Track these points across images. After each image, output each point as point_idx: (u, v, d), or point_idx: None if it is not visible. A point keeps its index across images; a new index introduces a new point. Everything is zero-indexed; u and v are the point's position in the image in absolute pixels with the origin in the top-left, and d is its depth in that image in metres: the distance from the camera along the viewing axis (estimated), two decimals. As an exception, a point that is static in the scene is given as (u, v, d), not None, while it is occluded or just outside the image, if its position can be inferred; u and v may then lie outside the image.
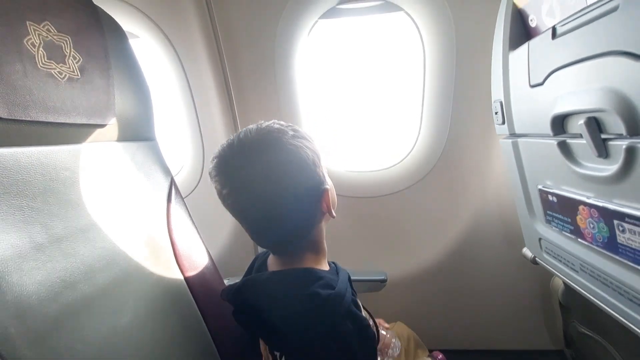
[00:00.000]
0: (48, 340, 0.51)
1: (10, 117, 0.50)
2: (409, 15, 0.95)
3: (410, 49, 1.01)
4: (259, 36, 0.94)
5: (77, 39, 0.62)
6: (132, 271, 0.70)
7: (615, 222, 0.49)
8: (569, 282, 0.68)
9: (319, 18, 0.95)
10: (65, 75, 0.59)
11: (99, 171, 0.68)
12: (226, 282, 0.98)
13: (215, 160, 0.61)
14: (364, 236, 1.09)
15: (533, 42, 0.62)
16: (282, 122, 0.61)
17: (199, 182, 1.12)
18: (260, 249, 1.18)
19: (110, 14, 0.76)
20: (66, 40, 0.60)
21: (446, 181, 1.06)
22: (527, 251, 0.85)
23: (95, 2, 0.72)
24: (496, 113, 0.77)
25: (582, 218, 0.57)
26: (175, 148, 1.20)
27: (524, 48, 0.65)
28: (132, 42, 0.89)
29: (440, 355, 0.78)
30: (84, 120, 0.63)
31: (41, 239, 0.55)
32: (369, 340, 0.57)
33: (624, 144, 0.44)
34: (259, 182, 0.56)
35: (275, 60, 0.95)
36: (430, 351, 0.83)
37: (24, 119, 0.52)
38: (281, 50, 0.94)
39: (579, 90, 0.51)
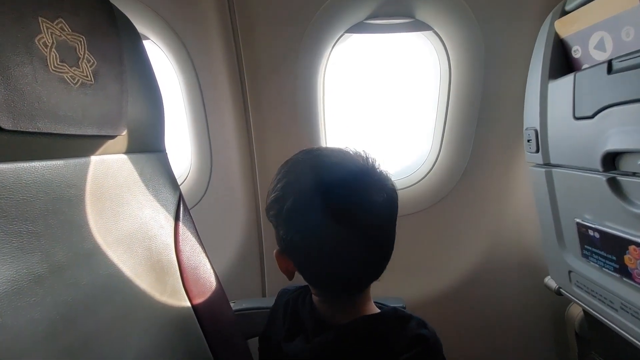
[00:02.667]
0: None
1: (14, 129, 0.43)
2: (437, 34, 0.93)
3: (436, 68, 0.99)
4: (282, 47, 0.88)
5: (91, 40, 0.55)
6: (136, 301, 0.62)
7: (679, 268, 0.47)
8: (604, 319, 0.66)
9: (345, 32, 0.92)
10: (79, 80, 0.52)
11: (106, 187, 0.61)
12: (232, 305, 0.91)
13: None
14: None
15: (581, 75, 0.60)
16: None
17: (204, 194, 1.05)
18: (267, 273, 1.11)
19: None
20: (80, 41, 0.53)
21: (465, 204, 1.04)
22: (550, 281, 0.83)
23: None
24: (529, 140, 0.75)
25: (632, 258, 0.55)
26: (179, 156, 1.13)
27: (568, 79, 0.63)
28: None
29: None
30: (94, 132, 0.56)
31: (41, 269, 0.47)
32: None
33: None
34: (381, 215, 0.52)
35: (297, 74, 0.90)
36: None
37: (30, 130, 0.45)
38: (304, 63, 0.90)
39: (638, 130, 0.49)
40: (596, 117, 0.57)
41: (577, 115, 0.62)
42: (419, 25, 0.92)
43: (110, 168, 0.62)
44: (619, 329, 0.63)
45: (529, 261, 1.02)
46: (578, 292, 0.73)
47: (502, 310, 1.09)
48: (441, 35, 0.94)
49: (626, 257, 0.56)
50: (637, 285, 0.55)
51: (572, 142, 0.64)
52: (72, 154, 0.54)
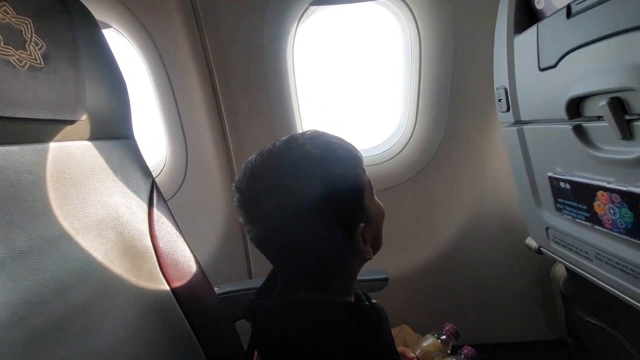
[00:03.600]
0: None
1: (-44, 111, 0.42)
2: (405, 3, 0.92)
3: (406, 37, 0.97)
4: (246, 26, 0.87)
5: (39, 23, 0.54)
6: (111, 285, 0.62)
7: (642, 206, 0.46)
8: (581, 271, 0.66)
9: (310, 5, 0.90)
10: (26, 63, 0.51)
11: (69, 174, 0.60)
12: (216, 289, 0.91)
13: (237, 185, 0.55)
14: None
15: (543, 24, 0.59)
16: (312, 138, 0.53)
17: (182, 182, 1.04)
18: (252, 255, 1.12)
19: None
20: (27, 24, 0.52)
21: (444, 174, 1.04)
22: (531, 241, 0.83)
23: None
24: (500, 100, 0.75)
25: (601, 204, 0.54)
26: (154, 146, 1.12)
27: (531, 31, 0.62)
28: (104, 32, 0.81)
29: (468, 349, 0.73)
30: (49, 116, 0.55)
31: (0, 255, 0.47)
32: None
33: (656, 124, 0.42)
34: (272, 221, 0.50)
35: (264, 52, 0.89)
36: (460, 347, 0.77)
37: (-25, 113, 0.44)
38: (270, 40, 0.88)
39: (600, 69, 0.48)
40: (559, 65, 0.56)
41: (541, 66, 0.61)
42: None
43: (72, 154, 0.61)
44: (595, 279, 0.63)
45: (512, 224, 1.01)
46: (556, 248, 0.73)
47: (489, 275, 1.09)
48: (408, 3, 0.92)
49: (595, 204, 0.56)
50: (607, 231, 0.55)
51: (539, 95, 0.63)
52: (28, 139, 0.53)
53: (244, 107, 0.96)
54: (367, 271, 0.92)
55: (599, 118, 0.51)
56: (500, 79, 0.73)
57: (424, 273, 1.06)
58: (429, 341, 0.73)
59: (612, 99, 0.47)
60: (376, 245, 0.57)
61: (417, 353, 0.71)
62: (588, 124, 0.54)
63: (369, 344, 0.49)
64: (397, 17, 0.97)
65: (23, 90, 0.50)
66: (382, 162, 1.05)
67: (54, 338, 0.50)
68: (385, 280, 0.87)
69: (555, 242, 0.72)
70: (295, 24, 0.91)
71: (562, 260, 0.72)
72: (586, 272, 0.64)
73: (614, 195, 0.51)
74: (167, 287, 0.73)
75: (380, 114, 1.16)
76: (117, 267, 0.64)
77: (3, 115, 0.48)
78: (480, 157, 1.03)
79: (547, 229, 0.73)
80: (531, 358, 1.06)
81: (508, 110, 0.73)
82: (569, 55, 0.53)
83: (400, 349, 0.72)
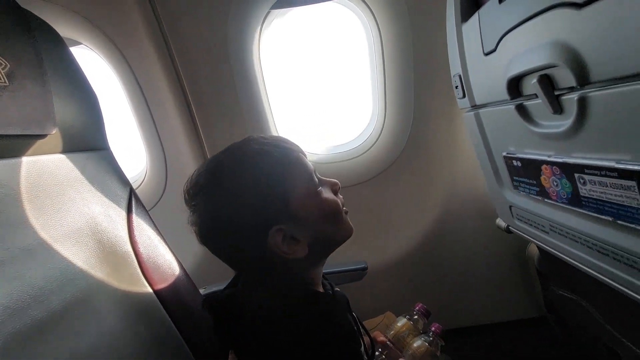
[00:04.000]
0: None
1: None
2: (363, 1, 0.95)
3: (367, 33, 1.00)
4: (209, 34, 0.90)
5: (2, 45, 0.57)
6: (92, 290, 0.64)
7: (576, 175, 0.49)
8: (541, 244, 0.69)
9: (271, 9, 0.93)
10: (-10, 82, 0.53)
11: (43, 186, 0.62)
12: (202, 291, 0.93)
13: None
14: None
15: (482, 11, 0.62)
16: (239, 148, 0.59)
17: (163, 192, 1.07)
18: None
19: (46, 19, 0.70)
20: (-12, 45, 0.55)
21: (416, 164, 1.07)
22: (500, 221, 0.85)
23: (28, 7, 0.67)
24: (456, 87, 0.77)
25: (546, 177, 0.57)
26: (133, 158, 1.14)
27: (474, 18, 0.65)
28: (75, 50, 0.83)
29: (435, 326, 0.74)
30: (18, 131, 0.57)
31: (-24, 264, 0.49)
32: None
33: (575, 96, 0.44)
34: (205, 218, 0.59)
35: (230, 58, 0.92)
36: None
37: (-59, 132, 0.46)
38: (235, 46, 0.91)
39: (529, 49, 0.51)
40: (498, 49, 0.59)
41: (485, 51, 0.64)
42: None
43: (46, 167, 0.64)
44: (554, 251, 0.66)
45: (486, 207, 1.04)
46: (520, 225, 0.75)
47: (469, 259, 1.11)
48: (366, 1, 0.95)
49: (542, 178, 0.58)
50: (555, 202, 0.57)
51: (487, 78, 0.66)
52: (0, 154, 0.56)
53: (216, 113, 0.99)
54: (346, 262, 0.95)
55: (535, 96, 0.54)
56: (455, 66, 0.76)
57: (405, 262, 1.08)
58: (400, 322, 0.76)
59: (541, 76, 0.50)
60: (329, 241, 0.60)
61: (390, 334, 0.74)
62: (527, 102, 0.57)
63: (314, 327, 0.52)
64: (358, 15, 1.00)
65: (-11, 108, 0.53)
66: (356, 157, 1.08)
67: (34, 340, 0.52)
68: (364, 269, 0.89)
69: (519, 219, 0.75)
70: (259, 28, 0.95)
71: (526, 236, 0.74)
72: (546, 245, 0.67)
73: (554, 167, 0.53)
74: (150, 290, 0.75)
75: (352, 111, 1.19)
76: (98, 272, 0.67)
77: (-29, 132, 0.51)
78: (452, 144, 1.06)
79: (510, 207, 0.76)
80: (516, 336, 1.09)
81: (464, 96, 0.76)
82: (504, 38, 0.56)
83: (374, 334, 0.75)
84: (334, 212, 0.59)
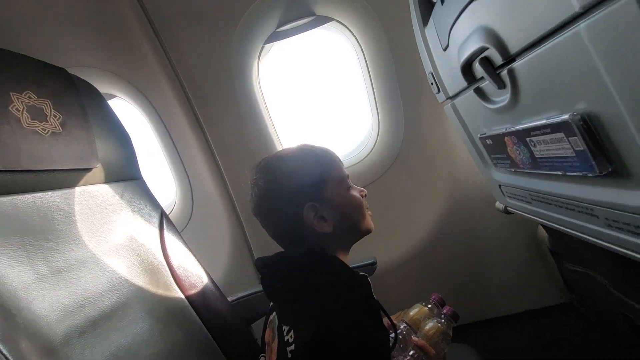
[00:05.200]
0: (57, 356, 0.57)
1: (4, 169, 0.60)
2: (341, 23, 1.06)
3: (352, 54, 1.11)
4: (215, 72, 1.06)
5: (56, 101, 0.74)
6: (133, 295, 0.76)
7: (527, 139, 0.54)
8: (530, 216, 0.71)
9: (264, 44, 1.07)
10: (49, 130, 0.70)
11: (91, 210, 0.77)
12: (229, 299, 1.02)
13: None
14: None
15: (433, 13, 0.70)
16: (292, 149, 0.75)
17: (190, 215, 1.21)
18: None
19: (87, 79, 0.89)
20: (46, 103, 0.72)
21: (414, 162, 1.12)
22: (498, 204, 0.87)
23: (74, 71, 0.85)
24: (432, 84, 0.84)
25: (510, 148, 0.61)
26: (164, 187, 1.31)
27: (431, 21, 0.74)
28: (112, 102, 1.02)
29: (447, 308, 0.76)
30: (70, 166, 0.73)
31: (44, 271, 0.63)
32: (378, 329, 0.58)
33: (505, 70, 0.51)
34: (258, 202, 0.70)
35: (235, 91, 1.07)
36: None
37: (16, 169, 0.62)
38: (239, 83, 1.07)
39: (467, 38, 0.58)
40: (450, 43, 0.67)
41: (443, 47, 0.71)
42: (323, 20, 1.06)
43: (93, 195, 0.79)
44: (541, 220, 0.68)
45: (488, 195, 1.05)
46: (512, 202, 0.78)
47: (478, 250, 1.11)
48: (343, 22, 1.06)
49: (508, 149, 0.63)
50: (523, 170, 0.61)
51: (449, 71, 0.73)
52: (57, 185, 0.71)
53: (230, 141, 1.14)
54: (357, 259, 1.00)
55: (483, 78, 0.60)
56: (427, 65, 0.83)
57: (416, 258, 1.10)
58: (415, 309, 0.78)
59: (481, 59, 0.56)
60: (352, 228, 0.72)
61: (406, 318, 0.77)
62: (482, 85, 0.63)
63: (345, 280, 0.62)
64: (340, 37, 1.12)
65: (49, 149, 0.69)
66: (356, 164, 1.16)
67: (88, 333, 0.64)
68: (374, 264, 0.94)
69: (509, 197, 0.78)
70: (256, 62, 1.09)
71: (520, 212, 0.77)
72: (532, 215, 0.69)
73: (512, 137, 0.58)
74: (182, 295, 0.86)
75: (351, 123, 1.29)
76: (137, 280, 0.79)
77: (36, 168, 0.66)
78: (446, 139, 1.10)
79: (500, 186, 0.79)
80: (541, 324, 1.04)
81: (439, 91, 0.82)
82: (451, 33, 0.64)
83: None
84: (359, 206, 0.72)
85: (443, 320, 0.75)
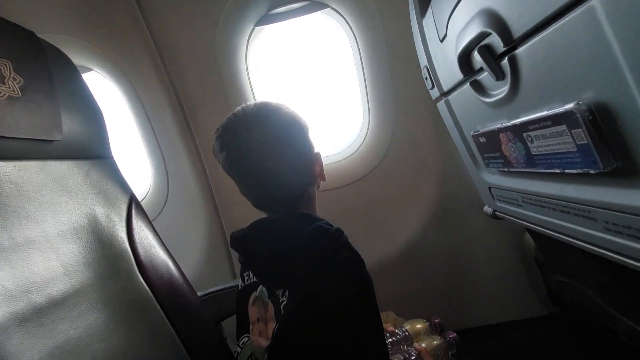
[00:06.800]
0: (-10, 346, 0.50)
1: (-55, 130, 0.53)
2: (336, 11, 1.03)
3: (345, 42, 1.07)
4: (201, 52, 1.00)
5: (18, 64, 0.67)
6: (89, 282, 0.69)
7: (524, 135, 0.51)
8: (520, 220, 0.68)
9: (255, 26, 1.03)
10: (5, 94, 0.63)
11: (48, 186, 0.70)
12: (199, 294, 0.96)
13: (219, 131, 0.68)
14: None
15: (432, 2, 0.67)
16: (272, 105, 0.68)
17: (165, 203, 1.14)
18: (235, 261, 1.18)
19: (62, 49, 0.82)
20: (6, 64, 0.65)
21: (404, 160, 1.09)
22: (487, 208, 0.85)
23: (47, 37, 0.79)
24: (426, 79, 0.81)
25: (505, 145, 0.58)
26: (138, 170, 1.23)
27: (430, 11, 0.70)
28: (88, 75, 0.95)
29: (453, 334, 0.75)
30: (28, 135, 0.66)
31: (-17, 251, 0.55)
32: (364, 268, 0.60)
33: (506, 58, 0.47)
34: (258, 147, 0.63)
35: (221, 72, 1.01)
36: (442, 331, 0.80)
37: (-40, 132, 0.55)
38: (224, 62, 1.01)
39: (467, 24, 0.55)
40: (448, 32, 0.64)
41: (440, 38, 0.68)
42: (318, 6, 1.02)
43: (52, 170, 0.71)
44: (531, 224, 0.65)
45: (479, 198, 1.03)
46: (501, 206, 0.75)
47: (465, 255, 1.08)
48: (338, 10, 1.03)
49: (502, 147, 0.60)
50: (517, 170, 0.58)
51: (446, 63, 0.70)
52: (9, 155, 0.64)
53: (211, 125, 1.07)
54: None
55: (482, 69, 0.57)
56: (422, 59, 0.80)
57: (403, 260, 1.07)
58: (418, 323, 0.77)
59: (481, 47, 0.53)
60: (318, 185, 0.73)
61: (406, 328, 0.74)
62: (479, 77, 0.60)
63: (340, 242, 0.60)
64: (333, 24, 1.08)
65: (3, 115, 0.61)
66: (345, 159, 1.12)
67: (30, 322, 0.57)
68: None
69: (499, 200, 0.75)
70: (245, 43, 1.04)
71: (508, 217, 0.74)
72: (523, 219, 0.67)
73: (508, 133, 0.55)
74: (146, 287, 0.79)
75: (344, 116, 1.24)
76: (96, 266, 0.72)
77: (-16, 134, 0.59)
78: (436, 139, 1.07)
79: (490, 189, 0.76)
80: (525, 335, 1.02)
81: (433, 86, 0.79)
82: (450, 21, 0.61)
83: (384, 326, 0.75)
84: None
85: (448, 340, 0.73)
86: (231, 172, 0.67)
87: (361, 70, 1.06)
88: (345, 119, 1.22)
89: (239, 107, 0.67)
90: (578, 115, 0.39)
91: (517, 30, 0.43)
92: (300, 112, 0.70)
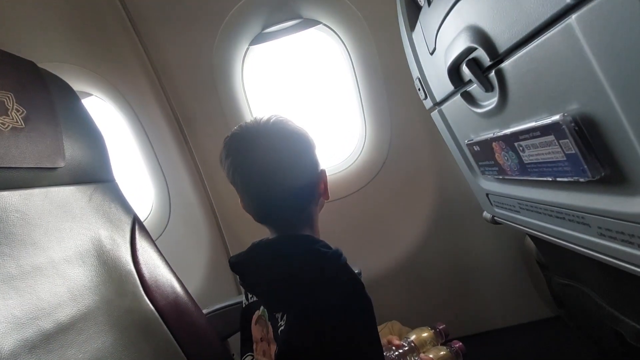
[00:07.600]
0: (1, 375, 0.51)
1: (-48, 164, 0.54)
2: (329, 27, 1.05)
3: (339, 56, 1.09)
4: (197, 73, 1.03)
5: (20, 95, 0.69)
6: (96, 306, 0.70)
7: (516, 144, 0.52)
8: (519, 226, 0.69)
9: (250, 45, 1.05)
10: (9, 125, 0.64)
11: (53, 213, 0.71)
12: (205, 311, 0.96)
13: (228, 138, 0.67)
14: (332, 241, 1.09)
15: (421, 16, 0.69)
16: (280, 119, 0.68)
17: (167, 223, 1.15)
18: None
19: (62, 76, 0.84)
20: (8, 97, 0.67)
21: (402, 170, 1.10)
22: (486, 214, 0.85)
23: (46, 67, 0.81)
24: (419, 89, 0.83)
25: (498, 154, 0.59)
26: (142, 192, 1.25)
27: (419, 25, 0.72)
28: (88, 100, 0.97)
29: (459, 344, 0.75)
30: (32, 164, 0.67)
31: (-8, 278, 0.56)
32: (363, 291, 0.59)
33: (493, 71, 0.49)
34: (265, 155, 0.62)
35: (218, 92, 1.03)
36: (448, 340, 0.80)
37: (-33, 165, 0.56)
38: (220, 81, 1.03)
39: (454, 39, 0.57)
40: (437, 46, 0.65)
41: (430, 51, 0.69)
42: (310, 23, 1.05)
43: (56, 196, 0.73)
44: (529, 229, 0.66)
45: (478, 204, 1.03)
46: (500, 212, 0.76)
47: (468, 260, 1.08)
48: (330, 26, 1.05)
49: (496, 156, 0.61)
50: (511, 177, 0.59)
51: (437, 75, 0.71)
52: (15, 185, 0.65)
53: (212, 146, 1.09)
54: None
55: (470, 81, 0.58)
56: (414, 71, 0.82)
57: (401, 270, 1.07)
58: (424, 331, 0.77)
59: (469, 60, 0.54)
60: (322, 205, 0.73)
61: (412, 338, 0.74)
62: (469, 88, 0.61)
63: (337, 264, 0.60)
64: (327, 40, 1.11)
65: (7, 146, 0.63)
66: (342, 170, 1.13)
67: (39, 349, 0.57)
68: (359, 275, 0.90)
69: (497, 206, 0.75)
70: (241, 62, 1.06)
71: (507, 222, 0.75)
72: (520, 225, 0.67)
73: (500, 142, 0.56)
74: (152, 307, 0.80)
75: (341, 129, 1.26)
76: (102, 289, 0.73)
77: (-9, 166, 0.61)
78: (433, 147, 1.08)
79: (487, 195, 0.77)
80: (530, 339, 1.02)
81: (426, 97, 0.81)
82: (438, 35, 0.62)
83: (388, 338, 0.75)
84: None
85: (455, 350, 0.73)
86: (235, 178, 0.65)
87: (355, 83, 1.08)
88: (342, 132, 1.24)
89: (249, 122, 0.67)
90: (564, 126, 0.40)
91: (502, 45, 0.45)
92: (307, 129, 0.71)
